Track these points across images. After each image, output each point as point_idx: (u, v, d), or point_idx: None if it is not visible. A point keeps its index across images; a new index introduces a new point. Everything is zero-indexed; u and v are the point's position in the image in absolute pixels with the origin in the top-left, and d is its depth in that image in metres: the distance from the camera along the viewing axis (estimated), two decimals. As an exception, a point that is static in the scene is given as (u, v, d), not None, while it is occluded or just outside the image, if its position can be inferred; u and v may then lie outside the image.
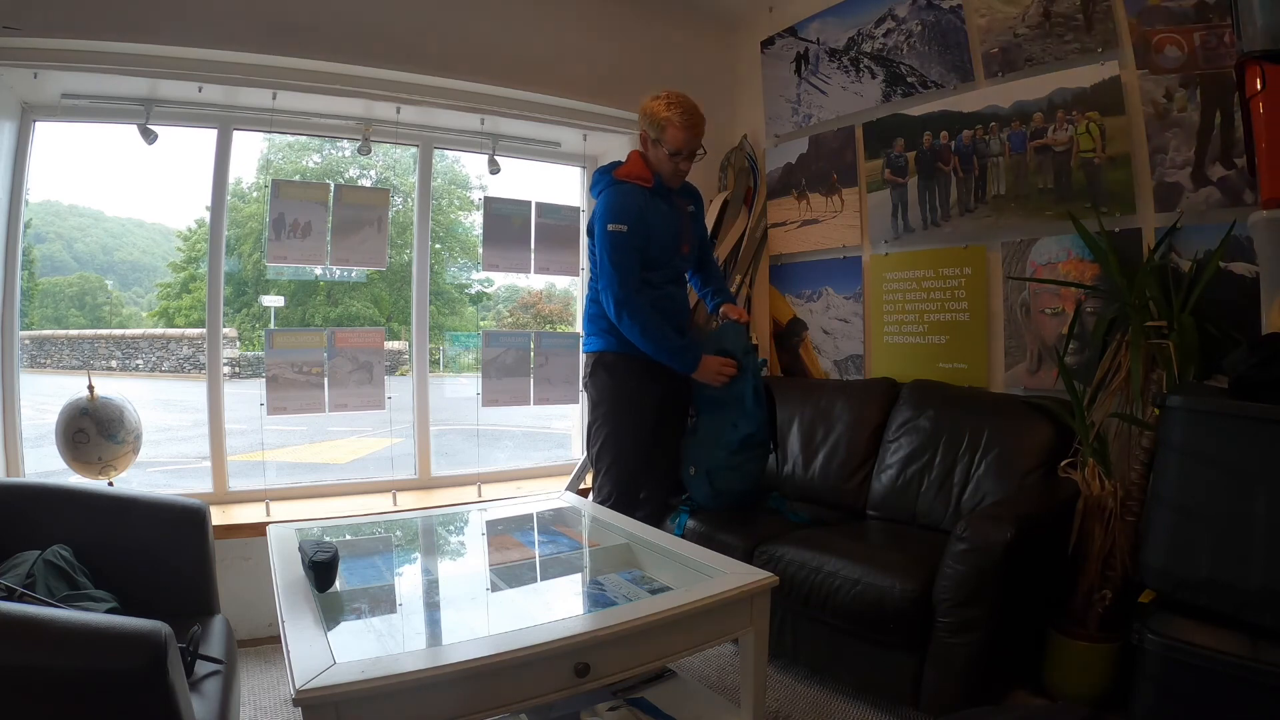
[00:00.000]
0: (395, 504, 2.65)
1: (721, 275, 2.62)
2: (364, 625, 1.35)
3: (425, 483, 2.92)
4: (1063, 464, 2.03)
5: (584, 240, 2.73)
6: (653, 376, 2.24)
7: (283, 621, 1.22)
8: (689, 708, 1.58)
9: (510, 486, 2.96)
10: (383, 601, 1.50)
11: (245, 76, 2.41)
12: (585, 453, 2.52)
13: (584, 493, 2.45)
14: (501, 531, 2.04)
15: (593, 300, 2.30)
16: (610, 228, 2.12)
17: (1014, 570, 1.67)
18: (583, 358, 2.43)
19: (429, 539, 2.04)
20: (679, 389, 2.34)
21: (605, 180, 2.25)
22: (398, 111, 2.71)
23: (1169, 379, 1.87)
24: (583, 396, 2.59)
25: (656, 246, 2.21)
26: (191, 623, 1.45)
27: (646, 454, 2.26)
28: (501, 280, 9.98)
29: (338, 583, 1.58)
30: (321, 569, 1.41)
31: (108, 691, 0.90)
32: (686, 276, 2.45)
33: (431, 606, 1.51)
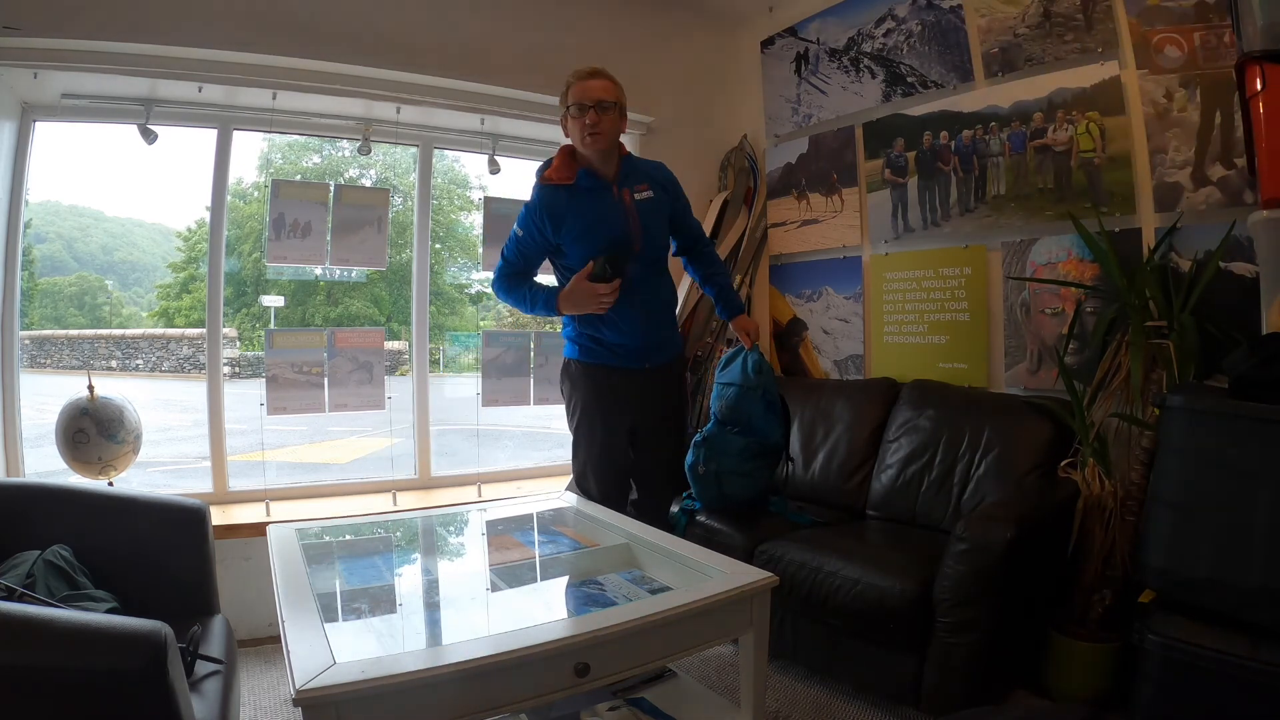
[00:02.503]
0: (395, 504, 2.65)
1: (723, 267, 2.37)
2: (364, 625, 1.35)
3: (425, 483, 2.92)
4: (1063, 464, 2.04)
5: None
6: (617, 387, 2.12)
7: (283, 621, 1.21)
8: (689, 708, 1.58)
9: (510, 486, 2.95)
10: (383, 601, 1.49)
11: (245, 76, 2.41)
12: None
13: (584, 493, 2.45)
14: (501, 531, 2.04)
15: None
16: (515, 229, 2.09)
17: (1014, 570, 1.67)
18: None
19: (429, 539, 2.03)
20: (661, 393, 2.20)
21: (536, 180, 2.11)
22: (398, 111, 2.71)
23: (1169, 379, 1.87)
24: None
25: (588, 247, 2.00)
26: (191, 623, 1.45)
27: (622, 463, 2.19)
28: (502, 280, 9.99)
29: (337, 582, 1.58)
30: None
31: (108, 691, 0.90)
32: (669, 264, 2.22)
33: (431, 606, 1.51)
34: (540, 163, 2.14)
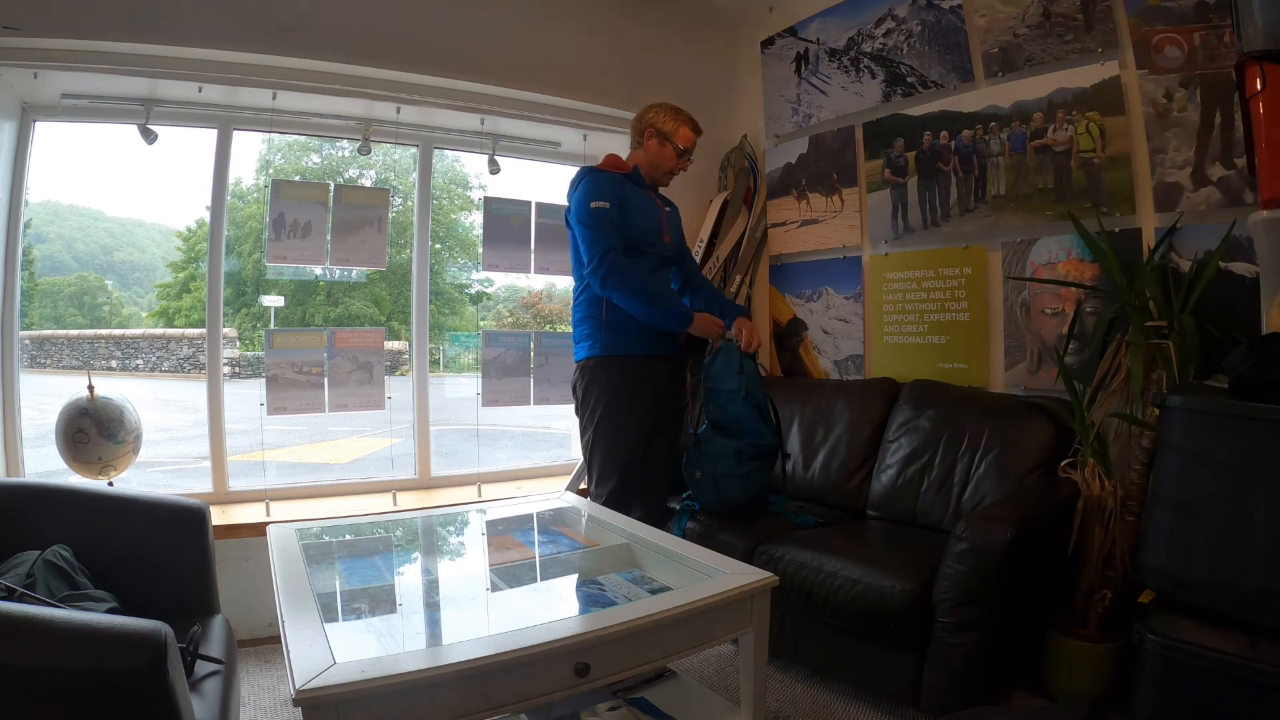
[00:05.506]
0: (395, 504, 2.65)
1: (715, 288, 2.67)
2: (364, 625, 1.35)
3: (425, 483, 2.92)
4: (1063, 464, 2.03)
5: None
6: (642, 377, 2.23)
7: (283, 621, 1.22)
8: (689, 708, 1.58)
9: (510, 486, 2.96)
10: (383, 601, 1.49)
11: (245, 76, 2.41)
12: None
13: (584, 493, 2.45)
14: (501, 531, 2.04)
15: (580, 302, 2.28)
16: (593, 205, 2.18)
17: (1014, 570, 1.67)
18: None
19: (429, 539, 2.03)
20: (673, 388, 2.34)
21: (583, 172, 2.30)
22: (398, 111, 2.71)
23: (1169, 379, 1.87)
24: None
25: (636, 229, 2.24)
26: (191, 623, 1.45)
27: (640, 460, 2.24)
28: (501, 280, 10.00)
29: (337, 582, 1.58)
30: None
31: (108, 691, 0.90)
32: (674, 275, 2.49)
33: (431, 606, 1.51)
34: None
